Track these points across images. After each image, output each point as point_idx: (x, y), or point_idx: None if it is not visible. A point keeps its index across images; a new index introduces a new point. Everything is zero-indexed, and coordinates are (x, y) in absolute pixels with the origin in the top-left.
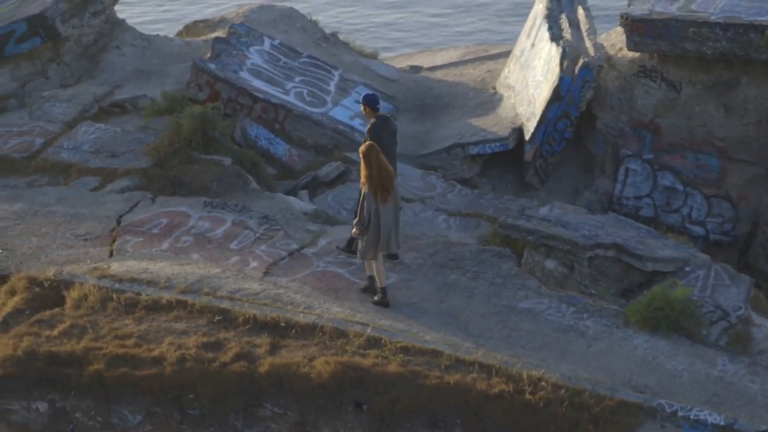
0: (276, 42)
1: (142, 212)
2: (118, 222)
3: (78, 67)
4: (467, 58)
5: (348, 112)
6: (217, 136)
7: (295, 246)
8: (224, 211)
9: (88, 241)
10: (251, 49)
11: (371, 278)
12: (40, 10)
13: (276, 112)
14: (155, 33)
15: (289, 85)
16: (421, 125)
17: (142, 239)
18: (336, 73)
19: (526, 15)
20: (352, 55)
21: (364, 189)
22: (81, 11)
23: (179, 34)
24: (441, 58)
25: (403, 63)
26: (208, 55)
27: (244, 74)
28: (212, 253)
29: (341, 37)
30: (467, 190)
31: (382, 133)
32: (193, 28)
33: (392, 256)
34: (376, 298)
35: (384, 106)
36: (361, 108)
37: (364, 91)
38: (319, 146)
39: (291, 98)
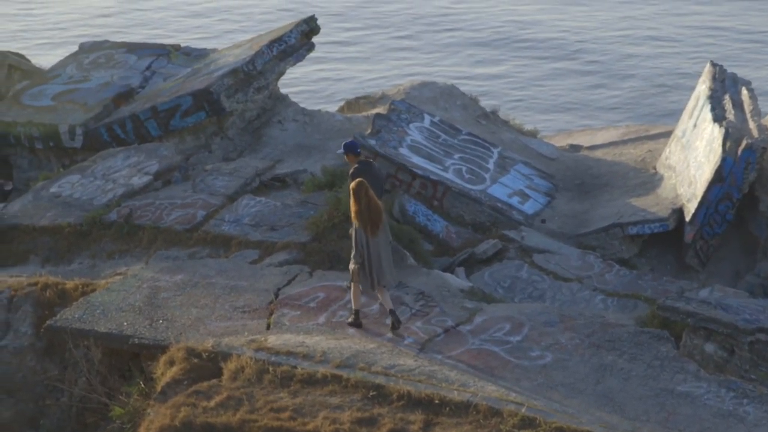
0: (436, 119)
1: (300, 286)
2: (276, 295)
3: (241, 141)
4: (627, 137)
5: (506, 189)
6: None
7: (450, 323)
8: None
9: (246, 314)
10: (411, 125)
11: (392, 311)
12: (206, 85)
13: (435, 189)
14: (317, 108)
15: (448, 162)
16: (579, 204)
17: (299, 313)
18: (495, 151)
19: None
20: (511, 133)
21: (356, 224)
22: (245, 86)
23: (341, 109)
24: (601, 137)
25: (562, 141)
26: (369, 131)
27: (404, 150)
28: (368, 328)
29: (501, 114)
30: (625, 271)
31: (364, 176)
32: (354, 104)
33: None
34: (349, 319)
35: (542, 185)
36: (345, 157)
37: (523, 169)
38: (477, 223)
39: (450, 175)
